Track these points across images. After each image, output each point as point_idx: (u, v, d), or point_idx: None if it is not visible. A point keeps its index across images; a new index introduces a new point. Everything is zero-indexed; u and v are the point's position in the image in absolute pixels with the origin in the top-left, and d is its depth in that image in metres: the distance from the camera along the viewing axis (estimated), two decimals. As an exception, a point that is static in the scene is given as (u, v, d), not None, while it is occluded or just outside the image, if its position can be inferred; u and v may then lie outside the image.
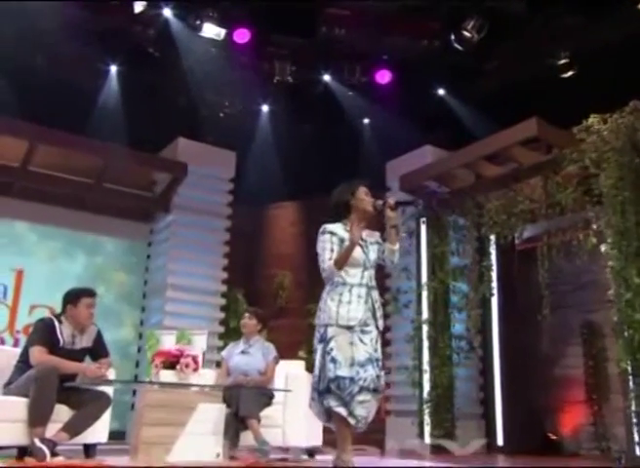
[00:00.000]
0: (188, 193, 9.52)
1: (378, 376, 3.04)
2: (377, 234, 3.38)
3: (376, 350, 3.10)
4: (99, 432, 4.24)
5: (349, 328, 3.02)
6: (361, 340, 3.05)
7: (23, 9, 7.50)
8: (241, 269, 11.92)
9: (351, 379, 2.94)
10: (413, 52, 9.50)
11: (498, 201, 7.50)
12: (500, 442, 8.19)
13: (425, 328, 8.19)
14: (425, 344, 8.16)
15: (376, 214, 3.39)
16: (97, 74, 9.14)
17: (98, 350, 4.60)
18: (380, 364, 3.09)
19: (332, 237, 3.22)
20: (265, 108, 11.38)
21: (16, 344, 8.43)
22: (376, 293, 3.21)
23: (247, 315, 4.93)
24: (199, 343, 5.69)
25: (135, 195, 9.49)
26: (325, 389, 2.97)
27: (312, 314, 12.66)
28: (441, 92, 10.25)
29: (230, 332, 10.25)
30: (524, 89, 8.43)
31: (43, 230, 8.99)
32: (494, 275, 8.18)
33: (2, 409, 3.87)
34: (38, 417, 3.94)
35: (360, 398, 2.94)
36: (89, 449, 4.36)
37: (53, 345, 4.30)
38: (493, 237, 8.32)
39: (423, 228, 8.65)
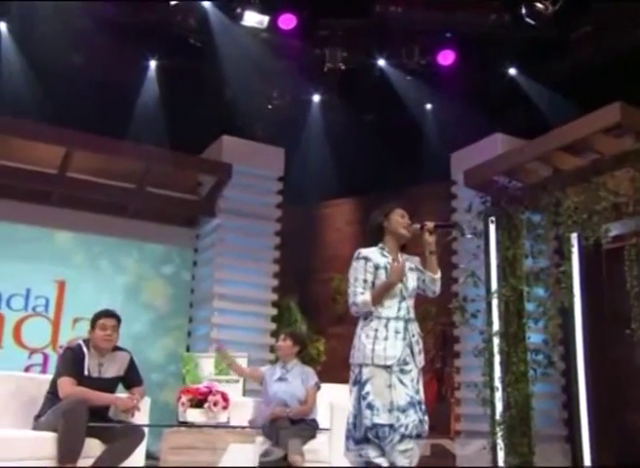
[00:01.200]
0: (234, 195, 9.58)
1: (421, 421, 2.90)
2: (416, 259, 3.24)
3: (417, 391, 2.96)
4: (134, 462, 4.29)
5: (387, 367, 2.90)
6: (401, 381, 2.92)
7: (56, 9, 7.71)
8: (293, 275, 11.93)
9: (391, 427, 2.82)
10: (479, 28, 9.17)
11: (577, 197, 7.15)
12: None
13: (496, 340, 7.94)
14: (497, 359, 7.91)
15: (415, 238, 3.26)
16: (135, 71, 9.32)
17: (130, 378, 4.63)
18: (424, 407, 2.96)
19: (366, 264, 3.11)
20: (316, 98, 11.31)
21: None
22: (414, 327, 3.07)
23: (281, 336, 4.87)
24: None
25: (179, 199, 9.64)
26: (362, 438, 2.87)
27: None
28: (512, 72, 9.87)
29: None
30: (607, 68, 7.99)
31: (84, 239, 9.26)
32: (576, 279, 7.82)
33: (30, 446, 3.95)
34: (67, 454, 3.98)
35: (402, 447, 2.82)
36: None
37: (81, 375, 4.36)
38: (574, 236, 7.96)
39: (492, 228, 8.37)
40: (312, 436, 4.32)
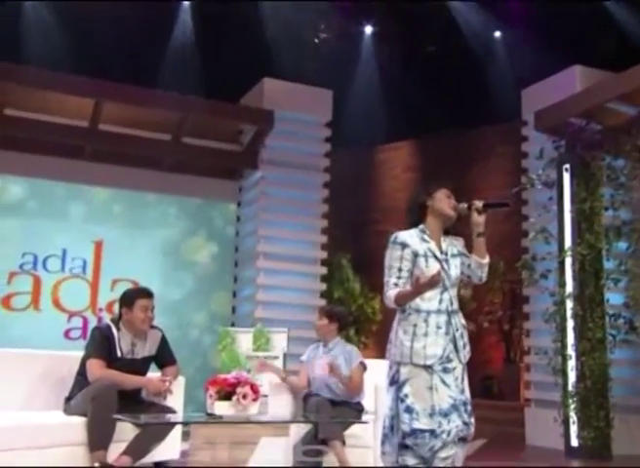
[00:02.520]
0: (278, 144, 9.49)
1: (466, 424, 2.84)
2: (460, 241, 3.10)
3: (462, 391, 2.88)
4: (169, 448, 4.42)
5: (427, 367, 2.83)
6: (443, 382, 2.84)
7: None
8: (345, 230, 11.92)
9: (432, 433, 2.76)
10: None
11: (665, 141, 6.76)
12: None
13: (570, 303, 7.73)
14: (570, 324, 7.72)
15: (462, 220, 3.12)
16: (167, 13, 9.20)
17: (162, 357, 4.68)
18: (469, 407, 2.88)
19: (403, 251, 2.99)
20: (368, 30, 10.96)
21: (100, 323, 9.05)
22: (458, 319, 2.96)
23: (317, 315, 4.85)
24: (279, 343, 5.80)
25: (218, 150, 9.62)
26: (400, 443, 2.83)
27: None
28: (593, -7, 9.28)
29: (334, 303, 10.35)
30: None
31: (121, 196, 9.40)
32: (663, 233, 7.51)
33: (61, 432, 4.05)
34: (98, 440, 4.00)
35: (443, 454, 2.77)
36: (160, 467, 4.62)
37: (111, 356, 4.40)
38: (662, 184, 7.58)
39: (567, 177, 8.04)
40: (357, 419, 4.33)
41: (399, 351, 2.87)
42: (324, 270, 9.68)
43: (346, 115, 10.39)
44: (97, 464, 4.00)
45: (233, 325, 9.76)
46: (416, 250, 2.96)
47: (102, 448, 4.03)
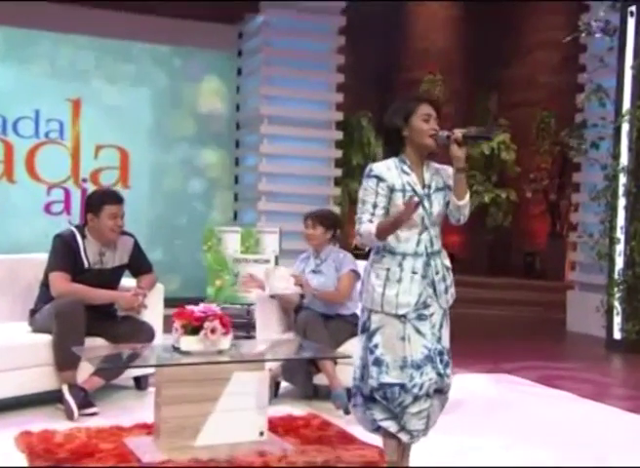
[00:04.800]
0: (281, -20, 9.03)
1: (441, 375, 2.86)
2: (448, 170, 2.96)
3: (439, 339, 2.88)
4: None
5: (400, 316, 2.82)
6: (418, 331, 2.82)
7: None
8: (365, 83, 11.53)
9: (402, 387, 2.78)
10: None
11: None
12: None
13: (623, 178, 7.57)
14: (621, 202, 7.61)
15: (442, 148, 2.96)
16: None
17: (136, 265, 4.69)
18: (446, 358, 2.89)
19: (378, 185, 2.87)
20: None
21: (83, 197, 9.16)
22: (439, 261, 2.89)
23: (308, 222, 4.77)
24: (270, 244, 5.83)
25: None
26: (368, 396, 2.88)
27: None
28: None
29: (353, 174, 10.32)
30: None
31: (103, 45, 9.09)
32: None
33: (27, 353, 4.14)
34: (65, 360, 4.05)
35: (415, 409, 2.81)
36: (140, 382, 4.74)
37: (76, 268, 4.41)
38: None
39: (631, 24, 7.57)
40: (351, 334, 4.41)
41: (370, 297, 2.85)
42: (339, 135, 9.55)
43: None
44: (64, 386, 4.15)
45: (236, 198, 9.87)
46: (392, 184, 2.85)
47: (71, 369, 4.17)
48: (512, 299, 10.38)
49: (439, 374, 2.88)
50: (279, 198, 9.20)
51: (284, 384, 4.72)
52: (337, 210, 8.74)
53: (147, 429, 3.73)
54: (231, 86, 9.83)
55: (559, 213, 11.57)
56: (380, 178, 2.87)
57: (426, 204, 2.89)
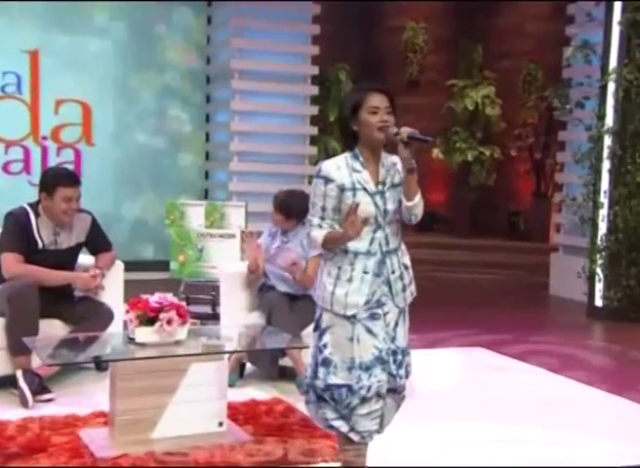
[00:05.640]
0: None
1: (393, 375, 2.93)
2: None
3: (394, 339, 2.95)
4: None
5: (349, 317, 2.88)
6: (369, 331, 2.87)
7: None
8: (344, 32, 11.42)
9: (349, 388, 2.84)
10: None
11: None
12: None
13: (608, 140, 7.63)
14: (606, 165, 7.67)
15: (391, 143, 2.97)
16: None
17: (94, 243, 4.70)
18: (400, 357, 2.95)
19: (327, 186, 2.89)
20: None
21: (44, 155, 9.11)
22: (396, 259, 2.92)
23: (274, 207, 4.78)
24: (235, 219, 5.85)
25: None
26: (319, 395, 2.96)
27: (455, 95, 12.21)
28: None
29: (331, 131, 10.31)
30: None
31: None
32: None
33: None
34: (19, 345, 4.01)
35: (363, 411, 2.87)
36: (100, 363, 4.74)
37: (30, 248, 4.41)
38: None
39: (619, -23, 7.54)
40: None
41: (321, 295, 2.90)
42: (315, 90, 9.51)
43: None
44: (19, 371, 4.19)
45: (207, 156, 9.85)
46: (342, 183, 2.86)
47: (24, 354, 4.18)
48: (495, 262, 10.52)
49: (392, 375, 2.94)
50: (252, 157, 9.19)
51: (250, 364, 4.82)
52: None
53: (104, 418, 3.81)
54: (201, 37, 9.71)
55: (544, 172, 11.64)
56: (328, 179, 2.88)
57: (379, 202, 2.91)
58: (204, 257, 5.72)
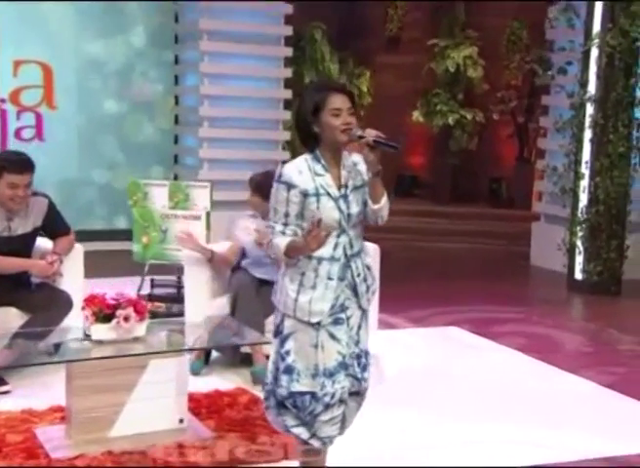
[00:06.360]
0: None
1: (358, 379, 2.99)
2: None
3: (357, 343, 3.00)
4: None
5: (313, 324, 2.92)
6: (333, 336, 2.91)
7: None
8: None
9: (313, 395, 2.90)
10: None
11: None
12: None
13: (590, 109, 7.66)
14: (587, 135, 7.71)
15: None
16: None
17: (51, 228, 4.68)
18: (364, 360, 3.00)
19: (289, 192, 2.90)
20: None
21: (3, 119, 9.01)
22: (360, 261, 2.95)
23: (249, 189, 4.75)
24: (200, 200, 5.83)
25: None
26: (280, 402, 3.01)
27: (437, 55, 12.11)
28: None
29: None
30: None
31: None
32: None
33: None
34: None
35: (326, 417, 2.93)
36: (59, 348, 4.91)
37: None
38: None
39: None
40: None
41: (283, 301, 2.93)
42: (288, 51, 9.44)
43: None
44: (-29, 362, 4.26)
45: (177, 120, 9.79)
46: (305, 189, 2.87)
47: None
48: (476, 231, 10.61)
49: (356, 379, 3.00)
50: (223, 123, 9.16)
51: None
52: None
53: (62, 412, 3.86)
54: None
55: (528, 136, 11.67)
56: (290, 185, 2.88)
57: (343, 206, 2.93)
58: (168, 239, 5.72)
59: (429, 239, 10.26)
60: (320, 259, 2.90)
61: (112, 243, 8.40)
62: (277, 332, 3.02)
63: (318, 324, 2.92)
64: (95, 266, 5.27)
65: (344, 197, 2.94)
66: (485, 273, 8.80)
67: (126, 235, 6.81)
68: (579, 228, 7.80)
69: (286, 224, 2.91)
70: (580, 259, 7.86)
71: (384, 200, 2.97)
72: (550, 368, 5.16)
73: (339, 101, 2.91)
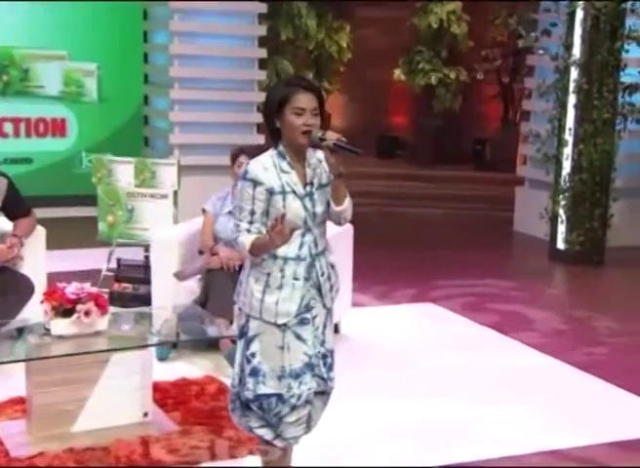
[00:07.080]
0: None
1: (324, 379, 3.05)
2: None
3: (322, 342, 3.05)
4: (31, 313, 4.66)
5: (279, 325, 2.97)
6: (299, 337, 2.96)
7: None
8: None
9: (279, 397, 2.96)
10: None
11: None
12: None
13: (574, 73, 7.67)
14: (572, 100, 7.73)
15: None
16: None
17: (11, 209, 4.69)
18: (329, 360, 3.05)
19: (255, 190, 2.92)
20: None
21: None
22: (324, 260, 3.00)
23: (241, 161, 4.71)
24: (167, 178, 5.82)
25: None
26: (244, 404, 3.06)
27: (419, 9, 12.00)
28: None
29: (283, 51, 10.16)
30: None
31: None
32: None
33: None
34: None
35: (292, 419, 2.99)
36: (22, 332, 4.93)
37: None
38: None
39: None
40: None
41: (248, 302, 2.97)
42: (263, 7, 9.31)
43: None
44: None
45: (146, 79, 9.72)
46: (271, 187, 2.89)
47: None
48: (458, 195, 10.64)
49: (322, 379, 3.07)
50: (195, 84, 9.08)
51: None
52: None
53: (23, 405, 3.91)
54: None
55: (513, 97, 11.66)
56: (256, 182, 2.91)
57: (309, 204, 2.96)
58: (135, 218, 5.73)
59: (408, 204, 10.28)
60: (286, 259, 2.94)
61: (78, 208, 8.36)
62: (242, 334, 3.06)
63: (284, 325, 2.97)
64: (59, 236, 5.27)
65: (310, 195, 2.97)
66: (466, 241, 8.86)
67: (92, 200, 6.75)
68: (561, 197, 7.86)
69: (251, 222, 2.94)
70: (562, 229, 7.94)
71: (347, 201, 3.00)
72: (530, 350, 5.27)
73: (304, 100, 2.91)
